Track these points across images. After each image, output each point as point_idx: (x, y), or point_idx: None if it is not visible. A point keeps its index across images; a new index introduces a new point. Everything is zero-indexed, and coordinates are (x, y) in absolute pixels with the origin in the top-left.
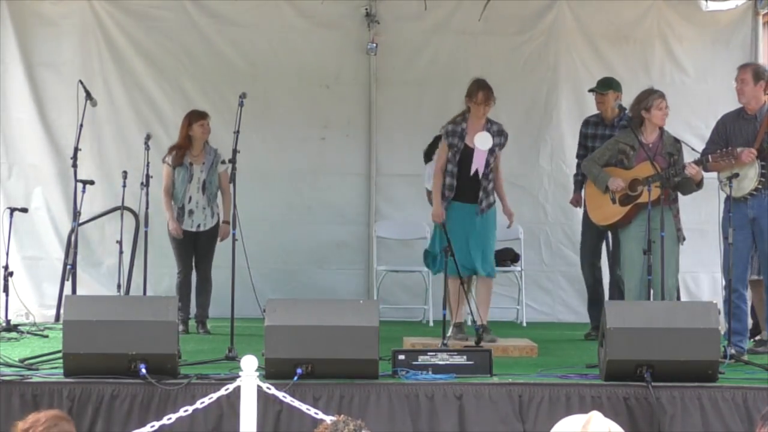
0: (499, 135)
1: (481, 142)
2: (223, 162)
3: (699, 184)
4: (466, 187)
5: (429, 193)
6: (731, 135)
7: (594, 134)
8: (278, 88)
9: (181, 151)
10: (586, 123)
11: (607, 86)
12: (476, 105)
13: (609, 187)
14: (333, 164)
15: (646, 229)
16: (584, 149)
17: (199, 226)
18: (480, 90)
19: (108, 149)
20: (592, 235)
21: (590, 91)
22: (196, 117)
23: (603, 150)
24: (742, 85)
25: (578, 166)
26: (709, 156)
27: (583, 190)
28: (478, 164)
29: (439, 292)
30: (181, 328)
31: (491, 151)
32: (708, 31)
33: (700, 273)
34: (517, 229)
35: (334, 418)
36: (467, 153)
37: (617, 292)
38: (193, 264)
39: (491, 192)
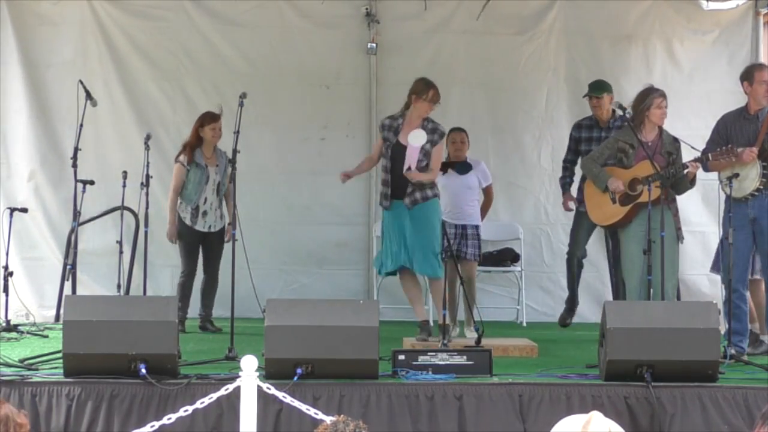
0: (433, 132)
1: (415, 138)
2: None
3: (692, 182)
4: (399, 184)
5: None
6: (732, 135)
7: (589, 137)
8: (278, 88)
9: (192, 149)
10: (578, 127)
11: (602, 89)
12: (425, 102)
13: (609, 188)
14: (333, 164)
15: (647, 228)
16: (574, 154)
17: (210, 227)
18: (431, 88)
19: (108, 149)
20: (584, 232)
21: (585, 96)
22: (208, 120)
23: (602, 148)
24: None
25: (564, 169)
26: (710, 154)
27: (581, 191)
28: (410, 161)
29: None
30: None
31: (423, 149)
32: (708, 30)
33: (700, 273)
34: (517, 229)
35: (334, 418)
36: (399, 149)
37: (622, 291)
38: (201, 265)
39: (427, 185)
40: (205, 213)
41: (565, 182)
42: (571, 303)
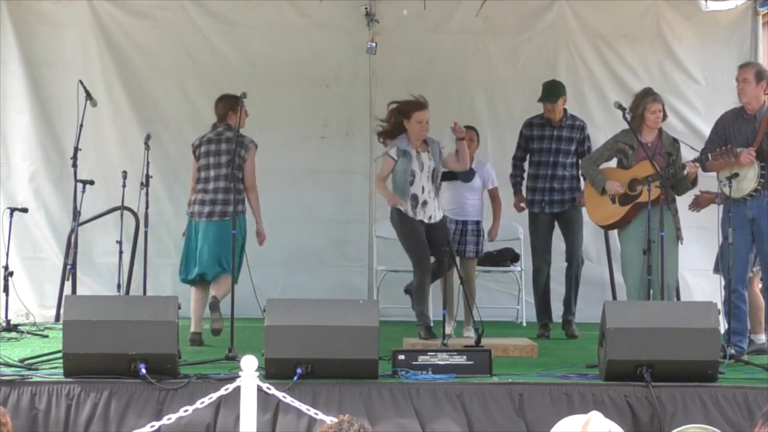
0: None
1: None
2: (442, 148)
3: (693, 182)
4: None
5: None
6: (730, 134)
7: (540, 135)
8: (278, 88)
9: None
10: (530, 125)
11: (555, 96)
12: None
13: (606, 190)
14: (333, 163)
15: (646, 228)
16: (524, 151)
17: (430, 218)
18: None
19: (109, 149)
20: (543, 232)
21: (540, 101)
22: (414, 108)
23: (602, 150)
24: (744, 84)
25: (515, 167)
26: (709, 154)
27: (531, 190)
28: None
29: (439, 292)
30: (423, 334)
31: None
32: (708, 30)
33: (700, 273)
34: (517, 229)
35: (334, 418)
36: None
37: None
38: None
39: None
40: (425, 203)
41: (516, 181)
42: (544, 317)
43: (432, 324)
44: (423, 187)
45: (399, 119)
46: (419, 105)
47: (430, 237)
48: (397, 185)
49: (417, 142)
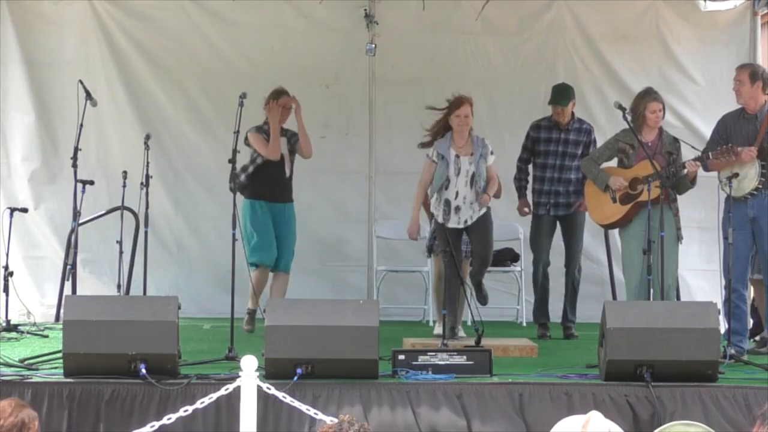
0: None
1: None
2: (492, 153)
3: (693, 181)
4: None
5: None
6: (732, 134)
7: (548, 138)
8: None
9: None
10: (537, 127)
11: (567, 99)
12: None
13: (610, 186)
14: (333, 163)
15: (646, 228)
16: (529, 153)
17: (466, 221)
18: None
19: (110, 149)
20: (545, 233)
21: (551, 103)
22: (454, 105)
23: (602, 149)
24: (739, 85)
25: (519, 170)
26: (710, 153)
27: (537, 193)
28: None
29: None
30: (438, 331)
31: None
32: (706, 31)
33: (700, 272)
34: (516, 229)
35: (334, 418)
36: None
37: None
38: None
39: None
40: (457, 208)
41: (521, 185)
42: (542, 317)
43: (436, 322)
44: (457, 192)
45: (446, 118)
46: (459, 100)
47: (471, 238)
48: (434, 188)
49: (460, 141)
